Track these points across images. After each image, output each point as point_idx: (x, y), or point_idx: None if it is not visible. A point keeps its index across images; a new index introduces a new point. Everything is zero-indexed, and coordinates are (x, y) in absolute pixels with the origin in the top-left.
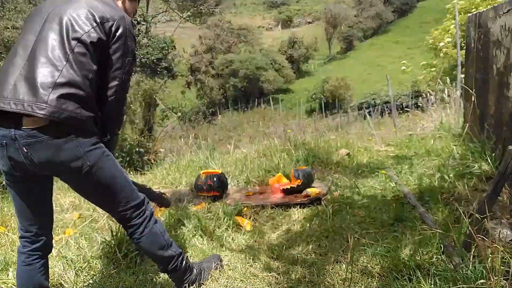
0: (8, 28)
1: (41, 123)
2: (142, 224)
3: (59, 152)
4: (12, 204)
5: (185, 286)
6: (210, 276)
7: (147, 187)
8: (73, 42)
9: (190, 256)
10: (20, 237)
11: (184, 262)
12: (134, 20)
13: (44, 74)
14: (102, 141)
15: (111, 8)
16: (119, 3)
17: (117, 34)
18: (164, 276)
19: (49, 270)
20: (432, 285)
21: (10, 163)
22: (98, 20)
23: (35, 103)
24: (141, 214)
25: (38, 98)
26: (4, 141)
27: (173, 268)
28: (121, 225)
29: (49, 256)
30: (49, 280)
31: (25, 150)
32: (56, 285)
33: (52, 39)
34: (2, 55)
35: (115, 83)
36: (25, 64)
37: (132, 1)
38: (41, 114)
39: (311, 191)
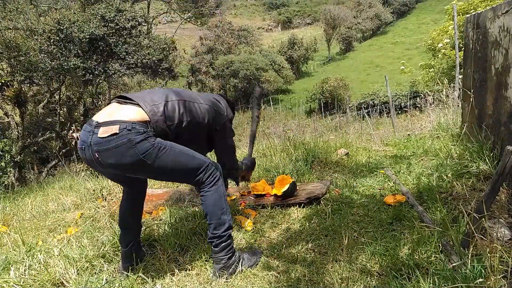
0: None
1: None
2: (212, 183)
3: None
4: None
5: (221, 268)
6: (249, 268)
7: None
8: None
9: (191, 255)
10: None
11: (230, 239)
12: (135, 21)
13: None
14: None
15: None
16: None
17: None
18: (164, 275)
19: (51, 269)
20: (431, 284)
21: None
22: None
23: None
24: (212, 175)
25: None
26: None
27: (221, 235)
28: None
29: (50, 255)
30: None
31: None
32: (58, 284)
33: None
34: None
35: (224, 157)
36: None
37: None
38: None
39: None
